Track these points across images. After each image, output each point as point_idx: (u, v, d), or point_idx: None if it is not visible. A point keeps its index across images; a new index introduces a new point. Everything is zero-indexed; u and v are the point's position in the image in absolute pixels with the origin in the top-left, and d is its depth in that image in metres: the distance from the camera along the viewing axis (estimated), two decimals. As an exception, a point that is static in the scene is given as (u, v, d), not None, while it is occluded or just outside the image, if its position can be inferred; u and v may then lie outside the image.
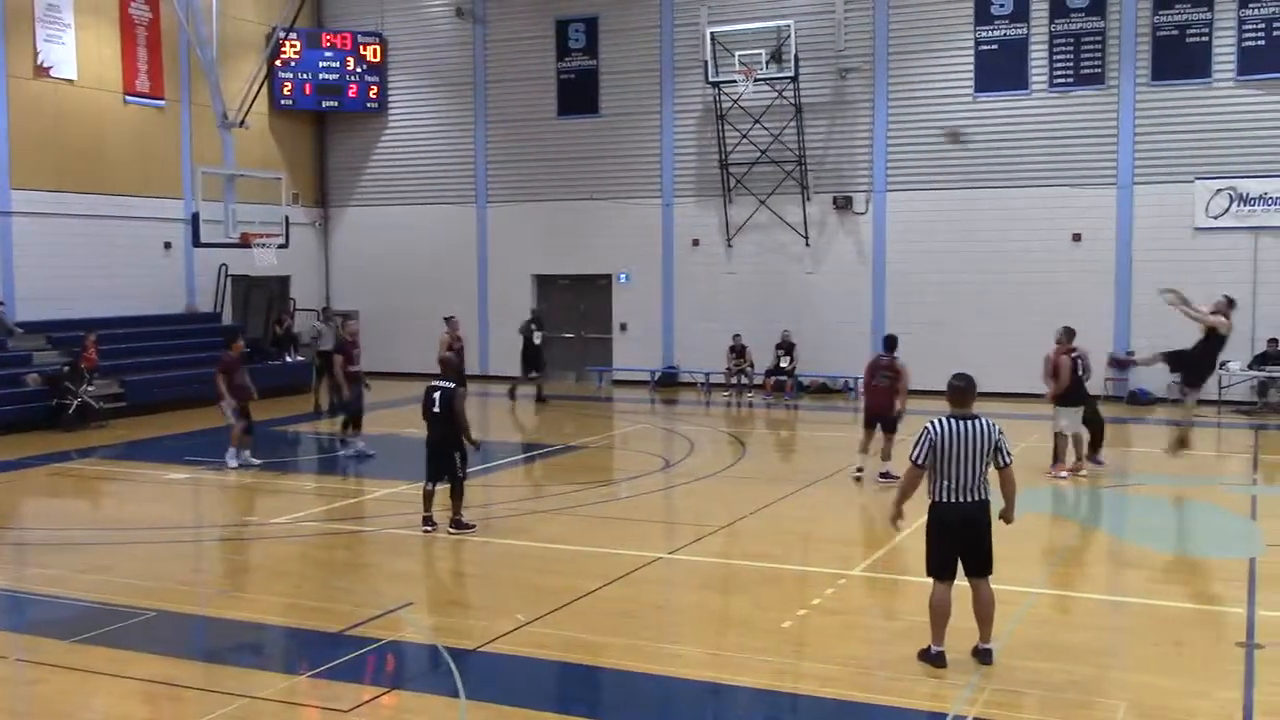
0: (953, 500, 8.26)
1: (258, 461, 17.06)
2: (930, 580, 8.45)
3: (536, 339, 25.17)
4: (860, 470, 15.54)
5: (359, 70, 29.94)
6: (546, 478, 17.04)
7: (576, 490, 15.49)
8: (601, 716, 7.84)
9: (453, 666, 8.49)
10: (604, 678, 8.51)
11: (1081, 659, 8.58)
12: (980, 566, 8.38)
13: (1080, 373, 15.69)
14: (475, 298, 29.68)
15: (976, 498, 8.28)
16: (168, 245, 26.58)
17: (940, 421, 8.28)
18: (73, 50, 24.51)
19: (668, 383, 27.48)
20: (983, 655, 8.39)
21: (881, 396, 15.45)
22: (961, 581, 8.39)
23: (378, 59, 30.06)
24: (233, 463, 16.86)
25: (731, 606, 10.34)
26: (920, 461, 8.30)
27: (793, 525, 13.37)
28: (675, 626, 9.76)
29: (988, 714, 7.57)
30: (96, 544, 12.05)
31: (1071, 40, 24.21)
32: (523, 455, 18.93)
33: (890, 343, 15.91)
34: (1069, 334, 16.04)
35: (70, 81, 24.51)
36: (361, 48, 29.89)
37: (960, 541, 8.32)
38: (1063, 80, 24.33)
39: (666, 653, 8.85)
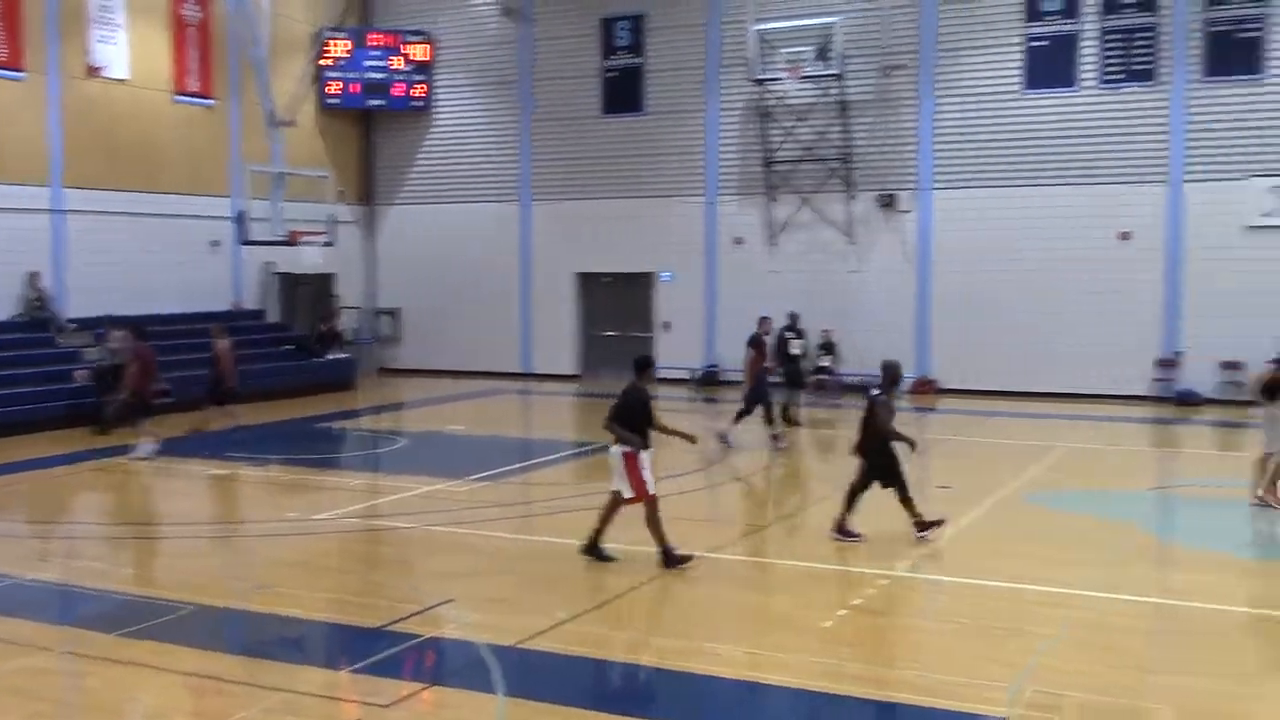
0: None
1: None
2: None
3: (795, 348, 21.42)
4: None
5: (405, 69, 30.12)
6: (588, 475, 17.02)
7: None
8: (639, 714, 7.81)
9: (491, 663, 8.50)
10: (642, 675, 8.49)
11: (1127, 660, 8.46)
12: None
13: None
14: (518, 295, 29.77)
15: None
16: (215, 243, 26.82)
17: None
18: (125, 50, 24.80)
19: (709, 381, 27.44)
20: None
21: None
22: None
23: (425, 58, 30.21)
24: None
25: (771, 606, 10.28)
26: None
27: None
28: (714, 625, 9.71)
29: (1028, 715, 7.47)
30: (140, 539, 12.17)
31: (1123, 36, 23.94)
32: (564, 453, 18.92)
33: None
34: None
35: (122, 81, 24.82)
36: (406, 46, 30.06)
37: None
38: (1113, 77, 24.07)
39: (705, 651, 8.80)
